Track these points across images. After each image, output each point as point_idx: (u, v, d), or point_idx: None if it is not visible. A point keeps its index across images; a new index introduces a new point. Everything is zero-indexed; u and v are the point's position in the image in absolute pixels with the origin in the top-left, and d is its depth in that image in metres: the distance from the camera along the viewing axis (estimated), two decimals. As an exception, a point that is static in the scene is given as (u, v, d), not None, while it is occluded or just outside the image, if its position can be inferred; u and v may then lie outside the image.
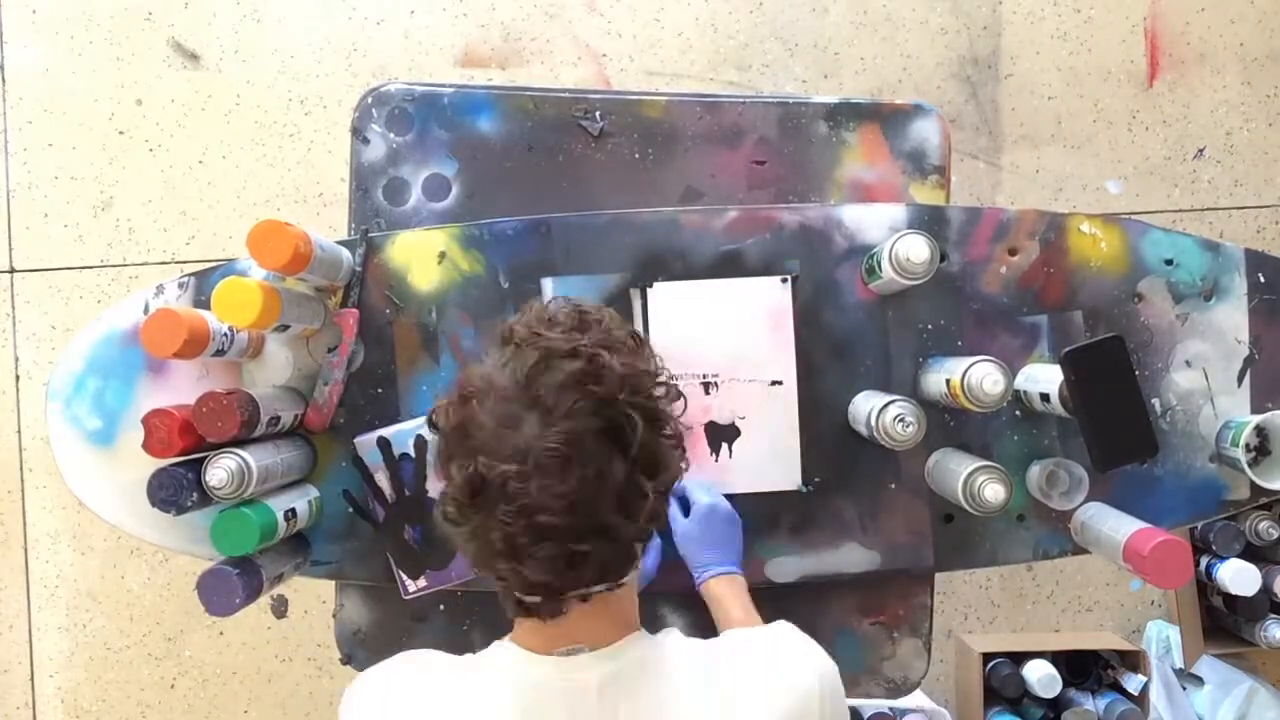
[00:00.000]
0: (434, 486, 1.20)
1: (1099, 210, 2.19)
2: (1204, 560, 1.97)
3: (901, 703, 1.77)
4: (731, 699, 0.82)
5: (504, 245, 1.24)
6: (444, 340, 1.24)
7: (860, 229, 1.24)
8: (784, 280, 1.23)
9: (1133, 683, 1.86)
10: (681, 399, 0.87)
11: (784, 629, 0.91)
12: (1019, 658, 1.93)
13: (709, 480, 1.23)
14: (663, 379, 0.85)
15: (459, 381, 0.82)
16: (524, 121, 1.33)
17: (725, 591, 1.11)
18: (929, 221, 1.24)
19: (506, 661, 0.86)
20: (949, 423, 1.24)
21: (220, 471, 1.07)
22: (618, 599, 0.85)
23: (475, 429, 0.77)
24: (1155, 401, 1.24)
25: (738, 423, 1.23)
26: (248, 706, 2.19)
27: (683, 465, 0.85)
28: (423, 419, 1.20)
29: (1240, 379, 1.26)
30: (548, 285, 1.24)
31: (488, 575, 0.81)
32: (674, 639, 0.89)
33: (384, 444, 1.20)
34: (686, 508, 1.18)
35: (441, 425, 0.81)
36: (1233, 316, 1.25)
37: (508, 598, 0.83)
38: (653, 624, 0.92)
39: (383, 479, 1.21)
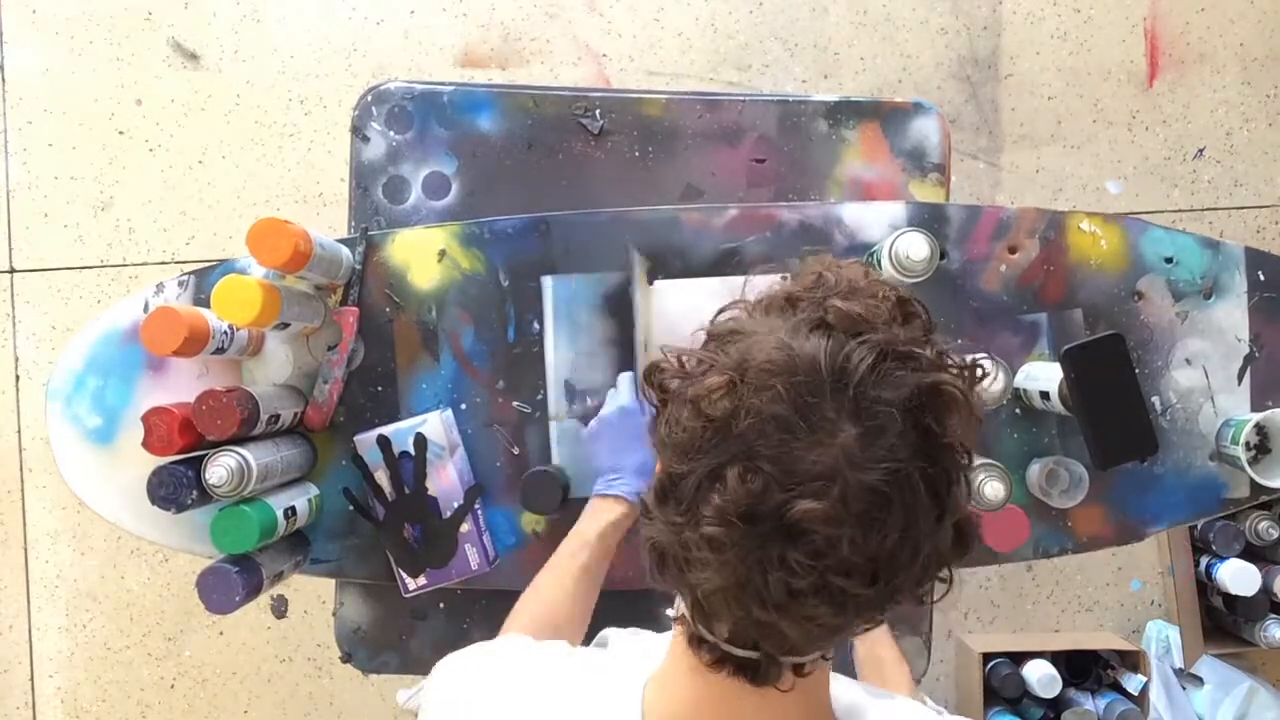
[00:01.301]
0: (434, 484, 1.20)
1: (1099, 210, 2.19)
2: (1204, 560, 1.97)
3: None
4: None
5: (504, 243, 1.24)
6: (444, 338, 1.24)
7: (860, 227, 1.24)
8: (783, 279, 1.23)
9: (1132, 683, 1.86)
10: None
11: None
12: (1019, 658, 1.93)
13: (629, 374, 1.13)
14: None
15: (735, 351, 0.60)
16: (524, 120, 1.33)
17: (584, 521, 1.04)
18: (929, 219, 1.24)
19: None
20: (949, 421, 1.24)
21: (220, 469, 1.07)
22: (822, 678, 0.68)
23: (767, 424, 0.56)
24: (1155, 399, 1.24)
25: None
26: (248, 706, 2.19)
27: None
28: (422, 417, 1.21)
29: (1240, 377, 1.26)
30: (547, 283, 1.24)
31: (711, 618, 0.62)
32: None
33: (384, 442, 1.20)
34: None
35: (707, 407, 0.59)
36: (1233, 314, 1.25)
37: (704, 642, 0.64)
38: (650, 623, 0.91)
39: (383, 477, 1.21)
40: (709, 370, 0.60)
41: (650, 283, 1.23)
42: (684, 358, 0.64)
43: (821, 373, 0.57)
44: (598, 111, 1.33)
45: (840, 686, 0.73)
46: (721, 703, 0.65)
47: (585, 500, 1.21)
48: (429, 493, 1.20)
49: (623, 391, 1.12)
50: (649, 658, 0.72)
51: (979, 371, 0.64)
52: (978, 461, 1.10)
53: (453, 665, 0.78)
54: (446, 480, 1.20)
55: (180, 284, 1.23)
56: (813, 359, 0.57)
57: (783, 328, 0.60)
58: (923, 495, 0.57)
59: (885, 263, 1.14)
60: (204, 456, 1.08)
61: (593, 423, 1.08)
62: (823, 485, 0.55)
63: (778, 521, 0.55)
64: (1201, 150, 2.22)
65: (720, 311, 0.68)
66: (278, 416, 1.15)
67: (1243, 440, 1.19)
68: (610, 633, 0.95)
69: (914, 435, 0.57)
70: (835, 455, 0.55)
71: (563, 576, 0.99)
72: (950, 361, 0.62)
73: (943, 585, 0.63)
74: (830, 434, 0.56)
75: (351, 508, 1.22)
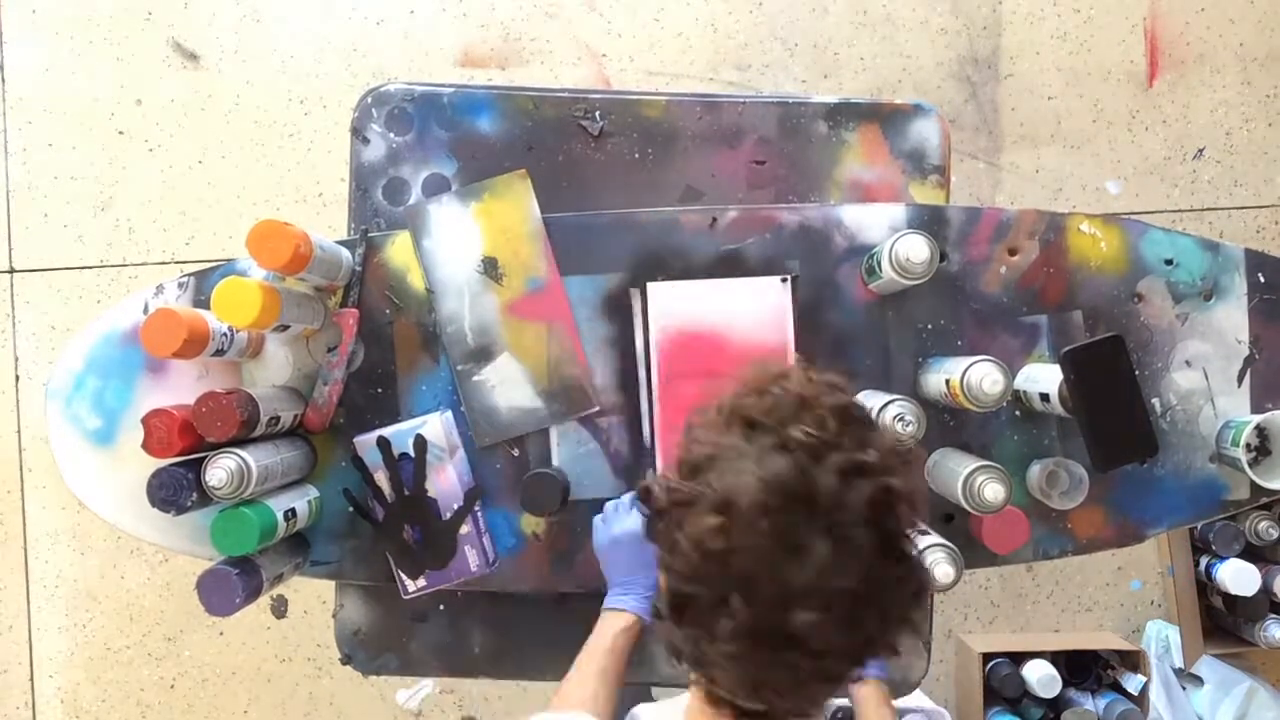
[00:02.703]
0: (433, 486, 1.20)
1: (1099, 210, 2.19)
2: (1204, 560, 1.97)
3: (901, 703, 1.77)
4: None
5: (504, 245, 1.24)
6: (444, 340, 1.24)
7: (860, 229, 1.24)
8: (784, 280, 1.23)
9: (1132, 683, 1.86)
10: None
11: None
12: (1019, 658, 1.93)
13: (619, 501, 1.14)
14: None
15: (715, 481, 0.70)
16: (524, 121, 1.33)
17: (595, 634, 1.05)
18: (929, 221, 1.24)
19: None
20: (949, 422, 1.24)
21: (220, 471, 1.07)
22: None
23: (756, 554, 0.67)
24: (1155, 401, 1.24)
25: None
26: (248, 706, 2.19)
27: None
28: (421, 418, 1.21)
29: (1240, 379, 1.26)
30: (547, 285, 1.24)
31: (729, 692, 0.74)
32: None
33: (384, 444, 1.20)
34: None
35: (708, 543, 0.69)
36: (1232, 316, 1.25)
37: (721, 701, 0.76)
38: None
39: (382, 479, 1.21)
40: (699, 504, 0.70)
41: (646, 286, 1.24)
42: (672, 486, 0.73)
43: (796, 502, 0.68)
44: (598, 113, 1.33)
45: None
46: None
47: (583, 502, 1.21)
48: (429, 494, 1.20)
49: (637, 512, 1.10)
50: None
51: (909, 447, 0.80)
52: (978, 463, 1.10)
53: None
54: (446, 482, 1.20)
55: (180, 285, 1.23)
56: (787, 491, 0.68)
57: (752, 455, 0.70)
58: (891, 582, 0.69)
59: (885, 265, 1.14)
60: (204, 458, 1.08)
61: (606, 534, 1.09)
62: (811, 598, 0.66)
63: (780, 632, 0.67)
64: (1201, 150, 2.22)
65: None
66: (278, 418, 1.15)
67: (1243, 442, 1.19)
68: (640, 710, 1.01)
69: (875, 535, 0.68)
70: (815, 570, 0.66)
71: (585, 680, 1.01)
72: (887, 451, 0.72)
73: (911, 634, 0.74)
74: (809, 552, 0.66)
75: (351, 509, 1.22)
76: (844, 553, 0.67)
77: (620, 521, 1.09)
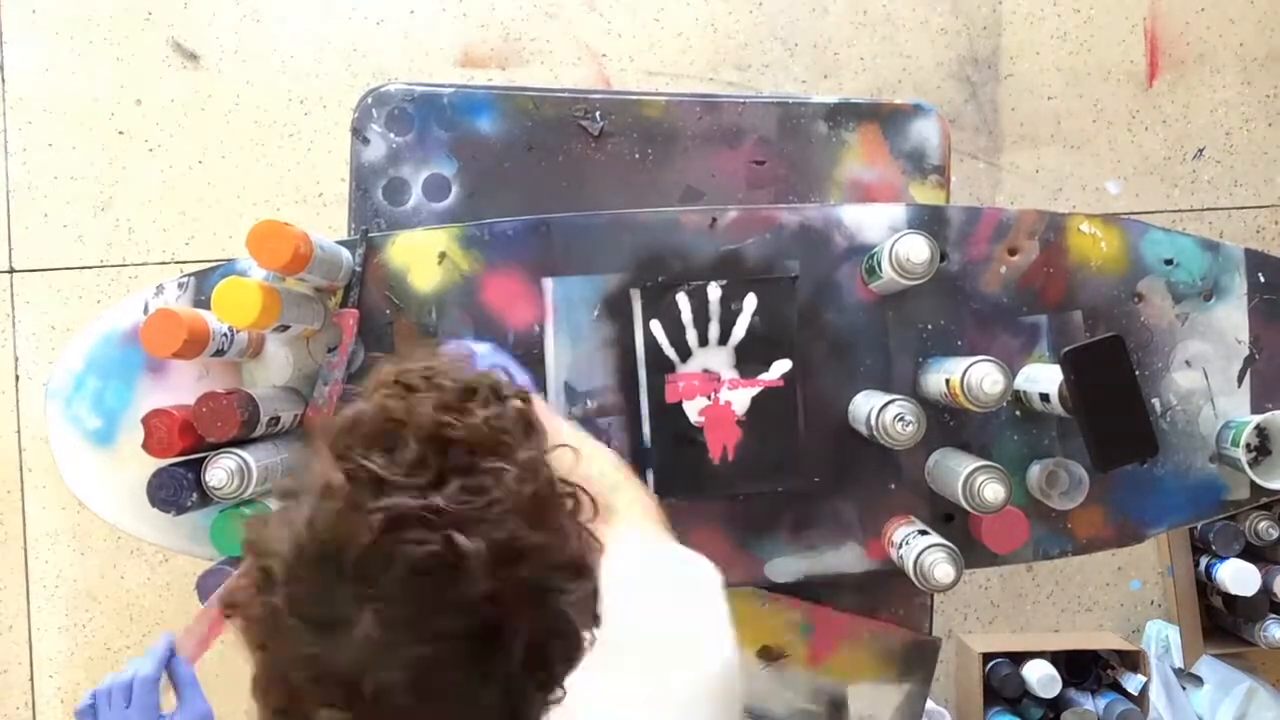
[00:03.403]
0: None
1: (1099, 210, 2.19)
2: (1204, 560, 1.97)
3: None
4: None
5: (504, 245, 1.24)
6: (444, 340, 1.24)
7: (860, 229, 1.24)
8: (783, 280, 1.23)
9: (1132, 683, 1.86)
10: (591, 503, 0.60)
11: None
12: (1019, 658, 1.93)
13: None
14: (563, 485, 0.59)
15: (251, 551, 0.55)
16: (524, 121, 1.33)
17: None
18: (929, 221, 1.24)
19: None
20: (949, 422, 1.24)
21: (220, 471, 1.07)
22: None
23: (282, 630, 0.52)
24: (1155, 401, 1.24)
25: (738, 423, 1.23)
26: (248, 707, 2.18)
27: (588, 633, 0.57)
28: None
29: (1240, 379, 1.26)
30: (548, 285, 1.24)
31: None
32: None
33: None
34: None
35: (240, 607, 0.55)
36: (1232, 316, 1.25)
37: None
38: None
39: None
40: (254, 548, 0.55)
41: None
42: (259, 519, 0.59)
43: (325, 561, 0.52)
44: (598, 113, 1.33)
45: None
46: None
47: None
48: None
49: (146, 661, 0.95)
50: None
51: (528, 482, 0.56)
52: (978, 463, 1.10)
53: None
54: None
55: (180, 285, 1.23)
56: (315, 544, 0.52)
57: (310, 495, 0.54)
58: (464, 661, 0.52)
59: (885, 265, 1.14)
60: (204, 458, 1.08)
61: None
62: (346, 691, 0.51)
63: None
64: (1201, 150, 2.22)
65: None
66: (278, 418, 1.15)
67: (1243, 442, 1.19)
68: None
69: (436, 604, 0.51)
70: (354, 654, 0.50)
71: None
72: (478, 497, 0.53)
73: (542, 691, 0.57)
74: (345, 629, 0.51)
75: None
76: (387, 630, 0.51)
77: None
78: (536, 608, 0.54)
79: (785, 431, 1.23)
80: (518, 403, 0.60)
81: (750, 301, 1.23)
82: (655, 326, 1.23)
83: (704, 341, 1.23)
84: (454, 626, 0.52)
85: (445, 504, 0.52)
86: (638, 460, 1.23)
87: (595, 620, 0.58)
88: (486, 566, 0.52)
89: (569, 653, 0.57)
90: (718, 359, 1.23)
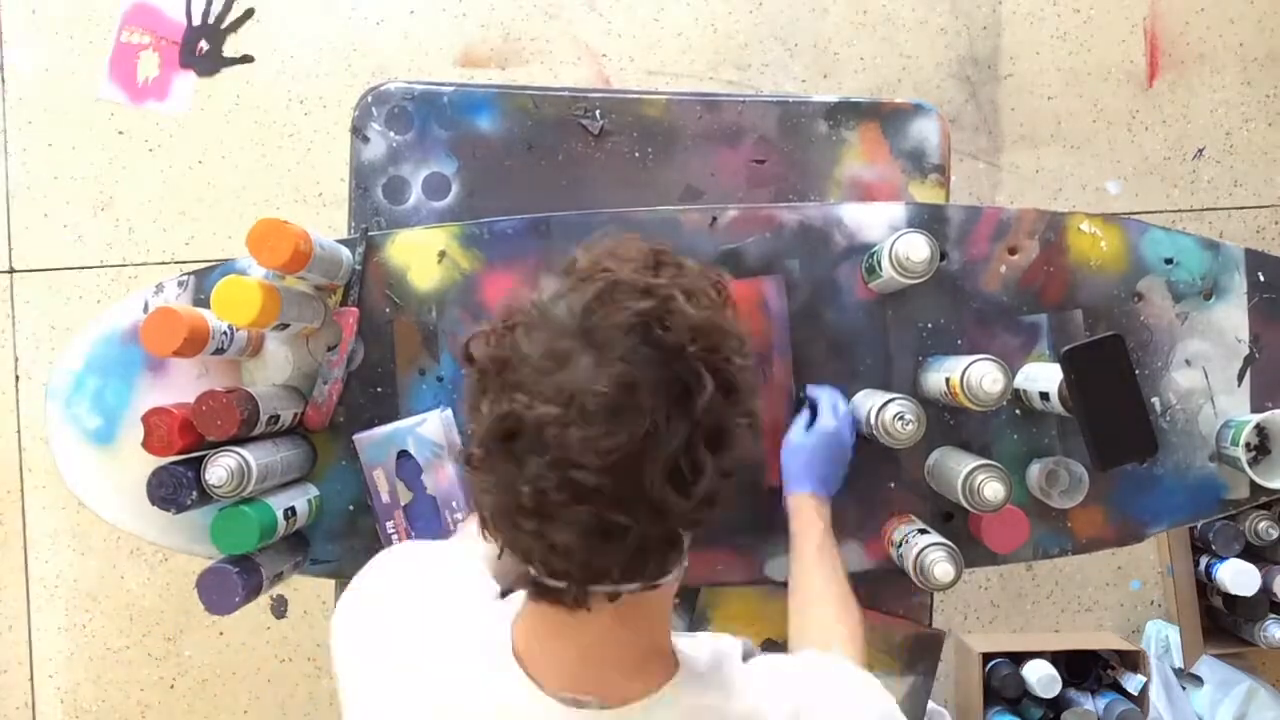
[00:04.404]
0: (433, 485, 1.20)
1: (1099, 210, 2.19)
2: (1204, 560, 1.97)
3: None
4: None
5: (504, 244, 1.24)
6: (444, 339, 1.24)
7: (860, 228, 1.24)
8: (779, 279, 1.23)
9: (1132, 683, 1.86)
10: (761, 379, 0.77)
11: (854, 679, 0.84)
12: (1019, 658, 1.93)
13: (838, 396, 1.20)
14: (746, 349, 0.71)
15: (504, 308, 0.70)
16: (524, 120, 1.33)
17: (808, 512, 1.10)
18: (929, 220, 1.24)
19: (503, 688, 0.73)
20: (949, 421, 1.24)
21: (220, 470, 1.07)
22: (648, 615, 0.73)
23: (517, 362, 0.66)
24: (1155, 400, 1.24)
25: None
26: (248, 706, 2.19)
27: (755, 450, 0.75)
28: (420, 417, 1.21)
29: (1240, 378, 1.26)
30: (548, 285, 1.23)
31: (507, 544, 0.69)
32: (735, 671, 0.77)
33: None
34: (814, 414, 1.17)
35: (477, 356, 0.69)
36: (1232, 315, 1.25)
37: (524, 576, 0.71)
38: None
39: (380, 476, 1.21)
40: (491, 330, 0.70)
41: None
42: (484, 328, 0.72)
43: (562, 313, 0.66)
44: (598, 112, 1.33)
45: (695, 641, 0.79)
46: (549, 634, 0.73)
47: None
48: (428, 492, 1.20)
49: (827, 412, 1.16)
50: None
51: (719, 286, 0.72)
52: (978, 462, 1.10)
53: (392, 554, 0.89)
54: (446, 480, 1.20)
55: (180, 284, 1.23)
56: (553, 302, 0.67)
57: (549, 287, 0.70)
58: (654, 399, 0.63)
59: (885, 264, 1.14)
60: (204, 457, 1.08)
61: (807, 436, 1.15)
62: (559, 398, 0.63)
63: (522, 436, 0.64)
64: (1201, 150, 2.22)
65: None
66: (277, 417, 1.15)
67: (1243, 441, 1.19)
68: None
69: (645, 349, 0.64)
70: (571, 375, 0.63)
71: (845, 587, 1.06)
72: (685, 279, 0.69)
73: (706, 509, 0.67)
74: (567, 359, 0.64)
75: (352, 508, 1.22)
76: (604, 361, 0.63)
77: (850, 424, 1.16)
78: (719, 392, 0.66)
79: (784, 431, 1.21)
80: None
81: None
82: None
83: None
84: (652, 372, 0.64)
85: (662, 280, 0.68)
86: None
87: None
88: (689, 330, 0.66)
89: (737, 451, 0.68)
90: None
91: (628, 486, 0.63)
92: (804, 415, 1.18)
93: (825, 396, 1.18)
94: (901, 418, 1.09)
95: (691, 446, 0.65)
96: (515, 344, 0.67)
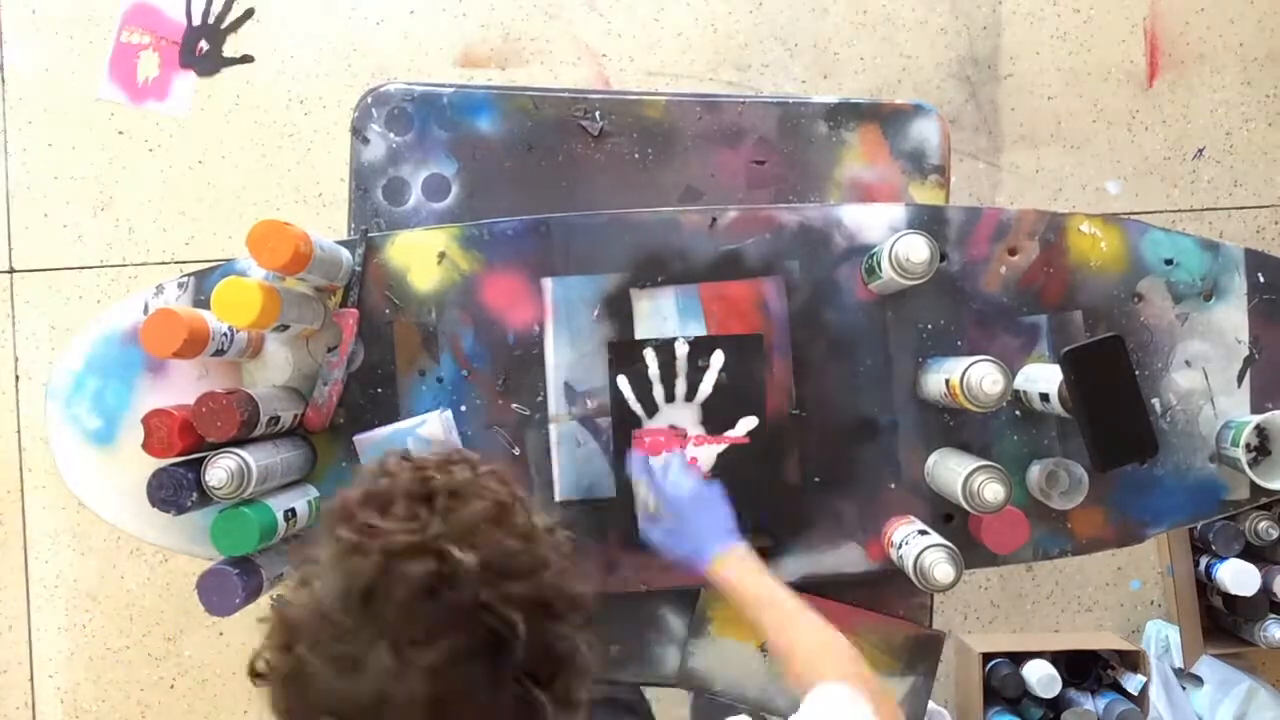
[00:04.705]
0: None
1: (1099, 210, 2.19)
2: (1204, 560, 1.97)
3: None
4: None
5: (504, 245, 1.24)
6: (444, 340, 1.24)
7: (860, 229, 1.24)
8: (779, 280, 1.23)
9: (1132, 683, 1.86)
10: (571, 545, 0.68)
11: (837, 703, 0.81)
12: (1019, 658, 1.93)
13: (641, 463, 1.15)
14: (548, 529, 0.66)
15: (276, 618, 0.62)
16: (524, 121, 1.33)
17: (731, 573, 1.02)
18: (929, 221, 1.24)
19: None
20: (949, 422, 1.24)
21: (220, 471, 1.07)
22: None
23: (310, 680, 0.58)
24: (1155, 401, 1.24)
25: (738, 424, 1.23)
26: (248, 706, 2.19)
27: (588, 649, 0.65)
28: (421, 418, 1.21)
29: (1240, 379, 1.26)
30: (547, 285, 1.24)
31: None
32: None
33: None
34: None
35: (269, 678, 0.62)
36: (1232, 316, 1.25)
37: None
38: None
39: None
40: (270, 632, 0.63)
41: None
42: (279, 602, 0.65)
43: (345, 608, 0.59)
44: (597, 113, 1.33)
45: None
46: None
47: (581, 502, 1.21)
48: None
49: (675, 470, 1.12)
50: None
51: (498, 506, 0.64)
52: (978, 463, 1.10)
53: None
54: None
55: (180, 285, 1.23)
56: (334, 598, 0.59)
57: (322, 567, 0.62)
58: (472, 667, 0.58)
59: (885, 265, 1.14)
60: (204, 458, 1.08)
61: (660, 521, 1.10)
62: (373, 710, 0.57)
63: None
64: (1201, 150, 2.22)
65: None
66: (277, 418, 1.15)
67: (1243, 442, 1.19)
68: None
69: (441, 618, 0.58)
70: (374, 680, 0.57)
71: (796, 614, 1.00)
72: (463, 519, 0.62)
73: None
74: (363, 663, 0.57)
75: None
76: (402, 656, 0.57)
77: (682, 478, 1.10)
78: (534, 621, 0.60)
79: (752, 487, 1.20)
80: (488, 466, 0.69)
81: (717, 358, 1.23)
82: (622, 381, 1.23)
83: (670, 398, 1.23)
84: (458, 639, 0.58)
85: (435, 530, 0.61)
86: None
87: (596, 648, 0.65)
88: (479, 576, 0.59)
89: (575, 668, 0.63)
90: (684, 415, 1.23)
91: None
92: (640, 504, 1.15)
93: (637, 473, 1.16)
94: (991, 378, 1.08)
95: (523, 697, 0.60)
96: (300, 660, 0.59)
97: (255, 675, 0.63)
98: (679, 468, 1.12)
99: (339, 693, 0.58)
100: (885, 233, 1.23)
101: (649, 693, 1.42)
